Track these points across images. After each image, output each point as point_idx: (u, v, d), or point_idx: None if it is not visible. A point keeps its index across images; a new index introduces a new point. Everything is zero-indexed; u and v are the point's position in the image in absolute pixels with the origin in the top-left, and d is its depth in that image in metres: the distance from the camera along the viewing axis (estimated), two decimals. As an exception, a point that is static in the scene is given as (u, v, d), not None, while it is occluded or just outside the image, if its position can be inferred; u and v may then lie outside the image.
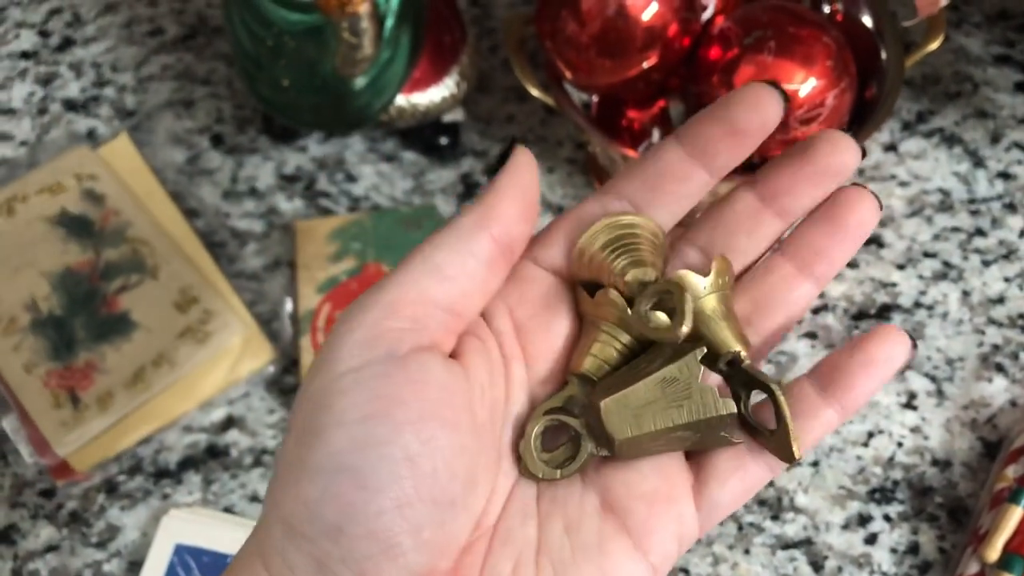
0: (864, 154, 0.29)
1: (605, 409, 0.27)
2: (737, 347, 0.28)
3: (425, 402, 0.26)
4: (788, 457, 0.28)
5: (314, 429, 0.26)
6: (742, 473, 0.28)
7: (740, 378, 0.28)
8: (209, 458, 0.48)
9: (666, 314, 0.27)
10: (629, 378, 0.28)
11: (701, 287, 0.28)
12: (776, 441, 0.28)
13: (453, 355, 0.28)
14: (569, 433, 0.29)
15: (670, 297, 0.27)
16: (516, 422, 0.29)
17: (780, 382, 0.28)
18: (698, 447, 0.29)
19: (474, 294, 0.28)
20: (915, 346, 0.28)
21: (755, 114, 0.28)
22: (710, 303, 0.28)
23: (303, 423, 0.26)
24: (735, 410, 0.27)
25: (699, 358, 0.27)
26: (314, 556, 0.26)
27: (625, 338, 0.28)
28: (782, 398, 0.27)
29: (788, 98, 0.28)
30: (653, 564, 0.28)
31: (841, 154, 0.28)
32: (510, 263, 0.28)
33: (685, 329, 0.26)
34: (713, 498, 0.28)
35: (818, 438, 0.28)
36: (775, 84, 0.28)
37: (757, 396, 0.29)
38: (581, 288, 0.29)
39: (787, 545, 0.46)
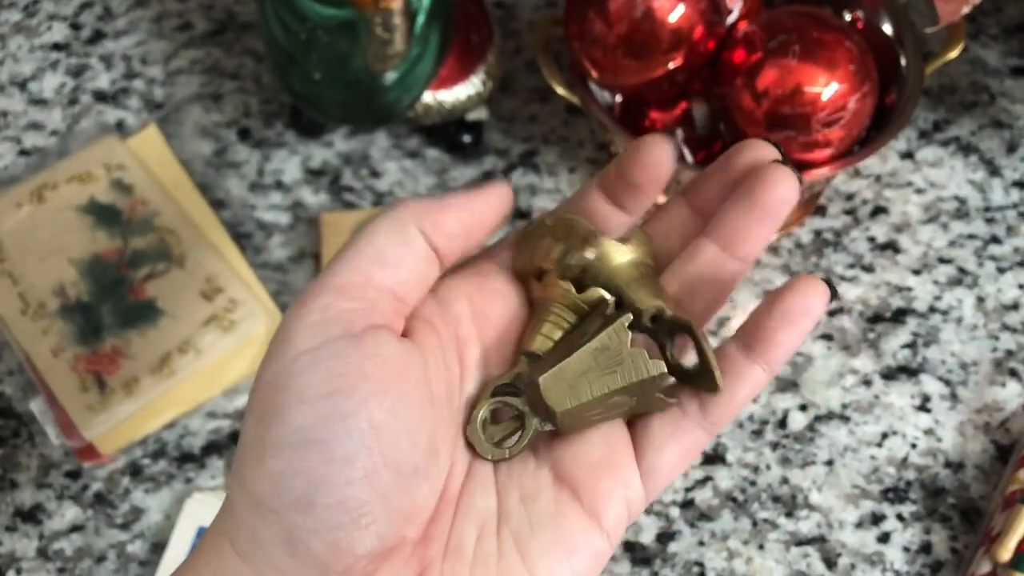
0: (784, 158, 0.30)
1: (544, 384, 0.29)
2: (657, 301, 0.29)
3: (384, 375, 0.27)
4: (712, 387, 0.29)
5: (274, 409, 0.27)
6: (677, 437, 0.29)
7: (663, 328, 0.30)
8: (232, 444, 0.49)
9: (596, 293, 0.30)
10: (564, 352, 0.29)
11: (614, 249, 0.30)
12: (700, 375, 0.29)
13: (404, 336, 0.29)
14: (514, 412, 0.30)
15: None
16: (470, 402, 0.30)
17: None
18: (637, 411, 0.30)
19: (414, 282, 0.29)
20: (834, 294, 0.29)
21: (646, 169, 0.30)
22: (626, 269, 0.30)
23: (262, 405, 0.27)
24: (665, 369, 0.29)
25: (626, 324, 0.29)
26: (283, 528, 0.26)
27: (571, 317, 0.30)
28: (699, 331, 0.29)
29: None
30: (606, 529, 0.29)
31: (759, 156, 0.30)
32: (436, 267, 0.30)
33: (583, 259, 0.30)
34: (652, 464, 0.29)
35: (748, 396, 0.29)
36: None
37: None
38: (531, 276, 0.31)
39: (801, 542, 0.46)
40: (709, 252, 0.30)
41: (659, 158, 0.30)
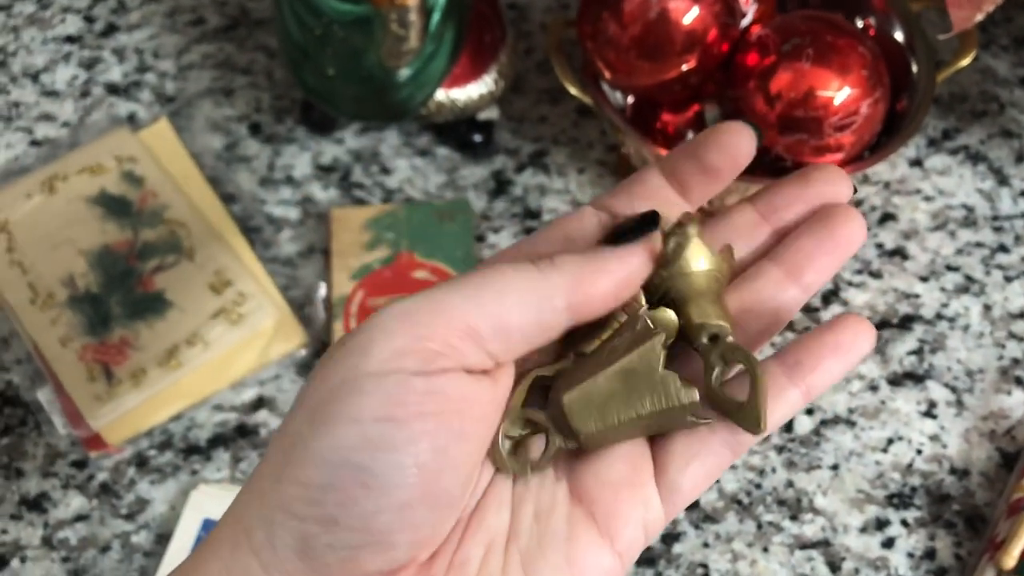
0: (855, 191, 0.30)
1: (568, 404, 0.28)
2: (722, 322, 0.28)
3: (444, 415, 0.26)
4: (755, 425, 0.28)
5: (326, 418, 0.26)
6: (703, 456, 0.28)
7: (719, 352, 0.28)
8: (238, 436, 0.49)
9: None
10: (590, 369, 0.28)
11: (703, 256, 0.29)
12: (745, 412, 0.28)
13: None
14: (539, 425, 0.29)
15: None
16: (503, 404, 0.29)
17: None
18: (663, 430, 0.29)
19: (518, 350, 0.27)
20: (877, 340, 0.29)
21: (725, 155, 0.29)
22: (703, 280, 0.28)
23: (315, 408, 0.26)
24: (697, 398, 0.27)
25: (657, 347, 0.27)
26: (302, 535, 0.26)
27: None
28: (759, 369, 0.28)
29: (761, 135, 0.29)
30: (619, 551, 0.28)
31: (836, 185, 0.30)
32: (561, 331, 0.28)
33: (693, 246, 0.28)
34: (674, 483, 0.28)
35: (784, 418, 0.29)
36: (750, 123, 0.29)
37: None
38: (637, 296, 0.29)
39: (805, 545, 0.46)
40: (773, 276, 0.30)
41: (741, 143, 0.29)
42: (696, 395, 0.27)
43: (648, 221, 0.28)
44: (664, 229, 0.29)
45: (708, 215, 0.31)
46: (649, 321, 0.28)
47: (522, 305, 0.27)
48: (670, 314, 0.28)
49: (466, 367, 0.27)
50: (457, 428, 0.26)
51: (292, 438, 0.26)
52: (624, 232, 0.28)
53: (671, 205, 0.30)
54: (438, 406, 0.26)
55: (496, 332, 0.27)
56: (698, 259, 0.28)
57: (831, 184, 0.30)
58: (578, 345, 0.29)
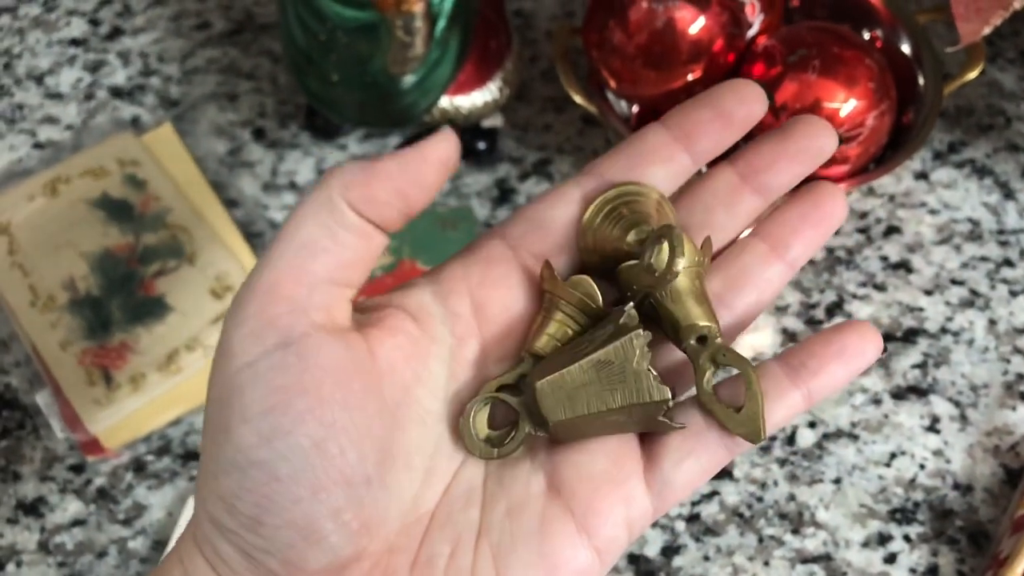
0: (841, 141, 0.30)
1: (540, 390, 0.27)
2: (710, 323, 0.28)
3: (323, 386, 0.26)
4: (754, 435, 0.27)
5: (222, 426, 0.26)
6: (698, 452, 0.28)
7: (708, 354, 0.28)
8: (237, 443, 0.49)
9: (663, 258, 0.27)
10: (567, 359, 0.27)
11: (686, 255, 0.28)
12: (743, 418, 0.27)
13: (366, 327, 0.27)
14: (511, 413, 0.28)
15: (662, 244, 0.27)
16: (460, 402, 0.28)
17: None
18: (641, 430, 0.28)
19: (354, 263, 0.27)
20: (885, 349, 0.28)
21: (741, 104, 0.28)
22: (686, 279, 0.28)
23: (212, 420, 0.27)
24: (669, 396, 0.27)
25: (635, 342, 0.27)
26: (240, 547, 0.26)
27: (584, 321, 0.28)
28: (755, 375, 0.27)
29: (773, 99, 0.29)
30: (597, 547, 0.27)
31: (820, 138, 0.29)
32: (378, 239, 0.27)
33: (682, 263, 0.27)
34: (667, 478, 0.28)
35: (783, 420, 0.28)
36: (762, 84, 0.29)
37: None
38: (546, 266, 0.29)
39: (806, 559, 0.46)
40: (758, 251, 0.29)
41: (756, 96, 0.28)
42: (668, 393, 0.27)
43: (436, 130, 0.28)
44: (662, 233, 0.28)
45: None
46: (632, 316, 0.27)
47: (314, 220, 0.26)
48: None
49: (323, 314, 0.26)
50: (339, 398, 0.26)
51: (204, 457, 0.27)
52: (415, 138, 0.28)
53: (674, 162, 0.29)
54: (313, 378, 0.26)
55: (312, 254, 0.26)
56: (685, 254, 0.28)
57: (813, 137, 0.29)
58: (530, 346, 0.29)
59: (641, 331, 0.27)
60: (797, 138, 0.29)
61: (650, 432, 0.28)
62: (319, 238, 0.26)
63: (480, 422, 0.28)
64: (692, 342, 0.28)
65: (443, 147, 0.27)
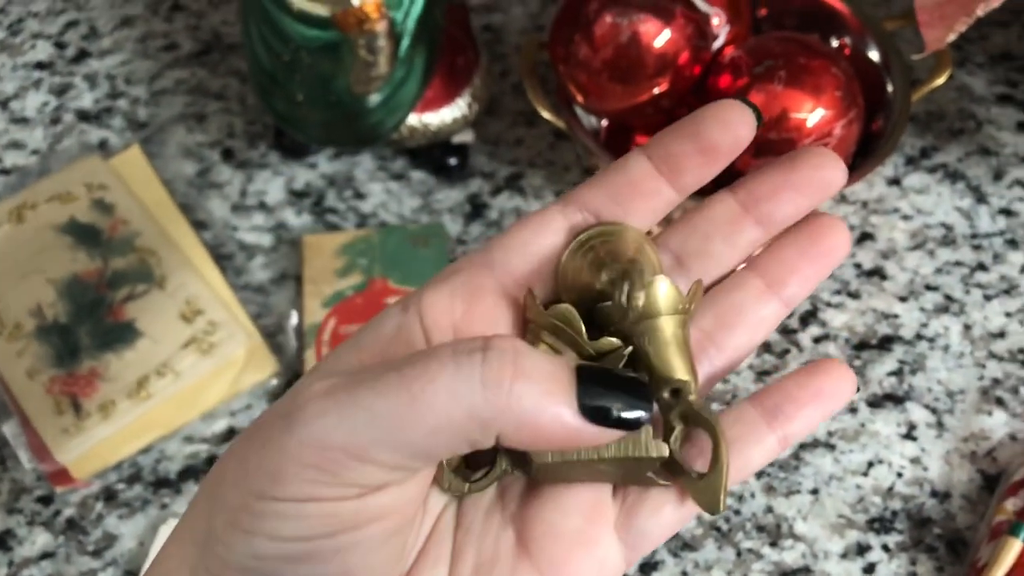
0: (848, 176, 0.28)
1: None
2: (686, 377, 0.26)
3: (370, 525, 0.24)
4: (712, 506, 0.26)
5: (245, 527, 0.24)
6: (676, 502, 0.27)
7: (680, 410, 0.27)
8: (209, 469, 0.48)
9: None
10: None
11: (668, 301, 0.26)
12: (704, 486, 0.26)
13: None
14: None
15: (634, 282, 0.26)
16: None
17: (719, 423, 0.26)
18: (621, 482, 0.27)
19: (433, 460, 0.24)
20: (857, 388, 0.28)
21: (726, 131, 0.26)
22: (670, 326, 0.26)
23: (233, 513, 0.24)
24: (666, 453, 0.26)
25: None
26: None
27: (568, 353, 0.27)
28: (724, 443, 0.26)
29: (761, 116, 0.27)
30: None
31: (827, 169, 0.27)
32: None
33: (641, 298, 0.25)
34: (644, 529, 0.27)
35: (759, 465, 0.27)
36: (747, 101, 0.27)
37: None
38: (529, 296, 0.27)
39: (785, 572, 0.46)
40: (753, 287, 0.28)
41: (743, 120, 0.26)
42: (666, 450, 0.26)
43: (634, 423, 0.24)
44: (621, 269, 0.27)
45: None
46: (630, 367, 0.26)
47: (452, 432, 0.23)
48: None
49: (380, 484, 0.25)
50: (381, 533, 0.24)
51: (208, 531, 0.25)
52: (600, 410, 0.23)
53: (658, 196, 0.27)
54: (362, 519, 0.24)
55: (428, 461, 0.24)
56: (664, 302, 0.26)
57: (820, 168, 0.27)
58: None
59: (644, 378, 0.26)
60: (803, 169, 0.27)
61: (623, 484, 0.27)
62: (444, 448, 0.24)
63: (455, 458, 0.27)
64: (665, 395, 0.27)
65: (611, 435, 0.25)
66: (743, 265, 0.29)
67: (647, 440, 0.26)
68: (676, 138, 0.27)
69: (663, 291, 0.26)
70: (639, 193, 0.27)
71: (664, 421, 0.27)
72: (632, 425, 0.23)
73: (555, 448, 0.24)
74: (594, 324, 0.27)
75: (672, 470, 0.27)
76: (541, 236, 0.28)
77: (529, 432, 0.23)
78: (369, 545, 0.24)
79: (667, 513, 0.27)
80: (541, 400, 0.23)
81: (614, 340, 0.26)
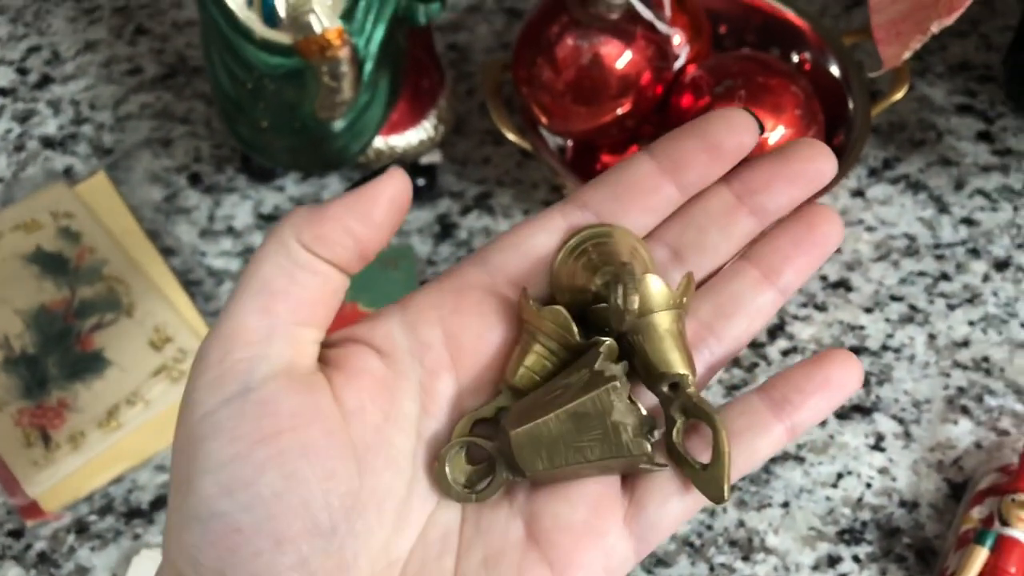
0: (838, 169, 0.29)
1: (515, 441, 0.27)
2: (684, 370, 0.27)
3: (283, 434, 0.25)
4: (717, 496, 0.26)
5: (186, 477, 0.26)
6: (684, 491, 0.27)
7: (679, 403, 0.27)
8: (181, 498, 0.48)
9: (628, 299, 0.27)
10: (542, 404, 0.27)
11: (660, 297, 0.27)
12: (707, 477, 0.27)
13: (331, 367, 0.27)
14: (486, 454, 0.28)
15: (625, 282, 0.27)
16: (434, 439, 0.28)
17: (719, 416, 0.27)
18: (623, 473, 0.28)
19: (315, 303, 0.27)
20: (864, 378, 0.28)
21: (731, 134, 0.28)
22: (665, 321, 0.27)
23: (177, 471, 0.26)
24: (648, 450, 0.26)
25: (611, 394, 0.26)
26: None
27: (563, 354, 0.28)
28: (724, 433, 0.26)
29: (763, 126, 0.28)
30: None
31: (819, 161, 0.28)
32: (339, 279, 0.28)
33: (635, 302, 0.26)
34: (653, 521, 0.27)
35: (767, 455, 0.28)
36: (750, 112, 0.28)
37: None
38: (524, 295, 0.28)
39: (758, 586, 0.46)
40: (749, 277, 0.28)
41: (747, 125, 0.27)
42: (647, 447, 0.26)
43: (386, 169, 0.28)
44: (613, 272, 0.27)
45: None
46: (605, 365, 0.27)
47: (270, 262, 0.27)
48: (619, 363, 0.27)
49: (283, 360, 0.26)
50: (298, 446, 0.25)
51: (171, 508, 0.27)
52: (362, 181, 0.28)
53: (659, 193, 0.28)
54: (272, 427, 0.25)
55: (271, 297, 0.26)
56: (657, 299, 0.27)
57: (812, 160, 0.28)
58: (508, 378, 0.28)
59: (618, 383, 0.26)
60: (796, 160, 0.28)
61: (632, 473, 0.28)
62: (276, 279, 0.26)
63: (456, 466, 0.28)
64: (664, 389, 0.27)
65: (391, 185, 0.27)
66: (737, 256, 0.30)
67: (628, 440, 0.26)
68: (682, 137, 0.28)
69: (655, 288, 0.27)
70: (640, 191, 0.28)
71: (665, 414, 0.27)
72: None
73: None
74: (588, 325, 0.28)
75: (677, 462, 0.27)
76: (537, 236, 0.29)
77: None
78: (288, 458, 0.25)
79: (674, 504, 0.27)
80: None
81: (609, 340, 0.27)
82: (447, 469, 0.27)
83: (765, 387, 0.28)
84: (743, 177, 0.29)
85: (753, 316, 0.29)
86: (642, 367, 0.28)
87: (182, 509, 0.26)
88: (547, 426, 0.26)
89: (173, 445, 0.27)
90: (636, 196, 0.28)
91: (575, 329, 0.27)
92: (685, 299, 0.28)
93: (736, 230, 0.29)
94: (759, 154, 0.27)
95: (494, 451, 0.27)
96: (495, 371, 0.28)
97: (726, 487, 0.26)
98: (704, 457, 0.27)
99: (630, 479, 0.28)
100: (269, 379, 0.26)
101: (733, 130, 0.28)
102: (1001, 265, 0.55)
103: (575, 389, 0.27)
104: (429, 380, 0.28)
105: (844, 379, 0.28)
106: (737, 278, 0.29)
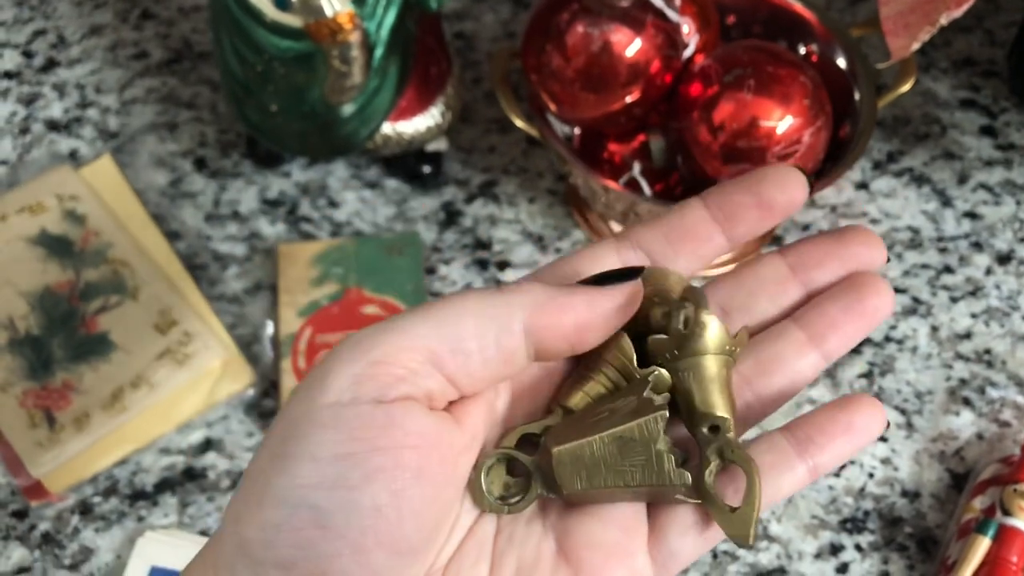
0: (888, 259, 0.30)
1: (557, 459, 0.27)
2: (726, 415, 0.28)
3: (402, 451, 0.25)
4: (743, 537, 0.27)
5: (286, 454, 0.25)
6: (703, 525, 0.28)
7: (717, 446, 0.28)
8: (186, 480, 0.48)
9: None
10: (587, 426, 0.27)
11: (716, 340, 0.28)
12: (735, 519, 0.27)
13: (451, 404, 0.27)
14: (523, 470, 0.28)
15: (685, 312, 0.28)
16: (483, 454, 0.28)
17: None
18: (649, 500, 0.28)
19: (483, 380, 0.27)
20: (887, 424, 0.29)
21: (783, 192, 0.29)
22: (714, 365, 0.28)
23: (277, 445, 0.26)
24: (690, 482, 0.27)
25: (659, 423, 0.27)
26: None
27: (620, 381, 0.28)
28: (759, 481, 0.27)
29: (812, 183, 0.29)
30: None
31: (872, 249, 0.30)
32: (523, 367, 0.27)
33: (707, 317, 0.27)
34: (672, 550, 0.28)
35: (788, 493, 0.28)
36: (802, 169, 0.29)
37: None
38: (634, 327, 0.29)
39: (761, 573, 0.46)
40: (795, 339, 0.29)
41: (798, 183, 0.29)
42: (689, 478, 0.27)
43: (631, 272, 0.28)
44: (677, 301, 0.28)
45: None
46: (654, 394, 0.27)
47: (480, 326, 0.26)
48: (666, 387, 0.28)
49: (426, 394, 0.26)
50: (414, 467, 0.25)
51: (254, 476, 0.26)
52: (604, 279, 0.28)
53: (710, 242, 0.29)
54: (395, 441, 0.25)
55: (454, 354, 0.26)
56: (713, 341, 0.28)
57: (866, 246, 0.29)
58: (563, 399, 0.29)
59: (666, 412, 0.27)
60: (851, 244, 0.29)
61: (660, 502, 0.29)
62: (469, 343, 0.26)
63: (494, 477, 0.28)
64: (704, 430, 0.28)
65: (630, 293, 0.28)
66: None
67: (671, 470, 0.27)
68: (737, 191, 0.29)
69: (713, 330, 0.28)
70: (692, 237, 0.29)
71: (701, 454, 0.28)
72: (631, 272, 0.27)
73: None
74: (642, 356, 0.29)
75: (706, 501, 0.28)
76: (591, 267, 0.29)
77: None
78: (399, 476, 0.25)
79: (692, 537, 0.28)
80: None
81: (663, 371, 0.28)
82: (483, 481, 0.28)
83: (790, 426, 0.29)
84: (799, 251, 0.30)
85: (793, 378, 0.29)
86: (685, 404, 0.28)
87: (270, 485, 0.25)
88: (590, 447, 0.27)
89: (281, 416, 0.26)
90: (688, 242, 0.29)
91: (634, 356, 0.28)
92: (738, 349, 0.28)
93: (784, 299, 0.30)
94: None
95: (532, 466, 0.28)
96: (545, 393, 0.29)
97: (752, 531, 0.27)
98: (731, 497, 0.28)
99: (653, 507, 0.29)
100: (409, 397, 0.26)
101: (785, 189, 0.29)
102: (1003, 258, 0.55)
103: (622, 414, 0.27)
104: (493, 398, 0.29)
105: (868, 425, 0.28)
106: (782, 339, 0.29)
